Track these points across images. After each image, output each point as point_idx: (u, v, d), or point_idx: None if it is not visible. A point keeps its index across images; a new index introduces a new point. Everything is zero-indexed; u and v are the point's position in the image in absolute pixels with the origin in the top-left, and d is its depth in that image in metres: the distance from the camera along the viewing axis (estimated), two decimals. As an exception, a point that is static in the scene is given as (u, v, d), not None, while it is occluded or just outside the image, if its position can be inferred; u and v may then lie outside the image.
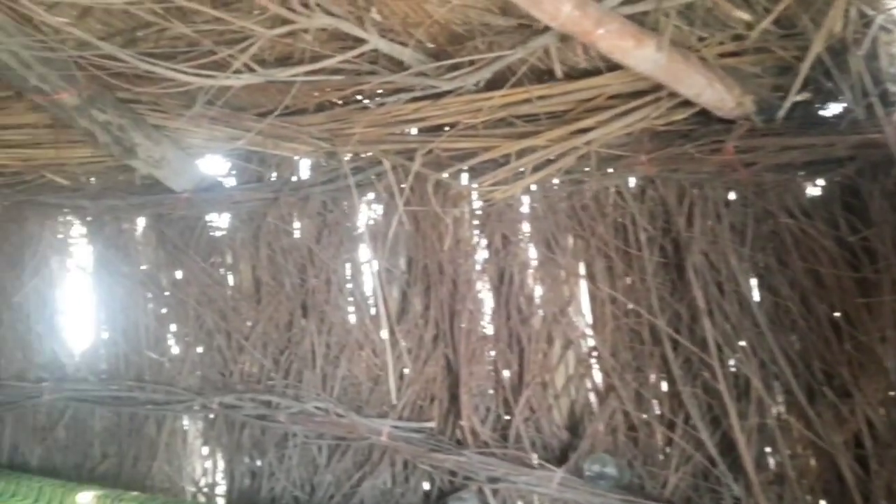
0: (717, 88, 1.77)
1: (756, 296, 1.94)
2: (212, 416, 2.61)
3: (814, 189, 1.89)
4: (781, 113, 1.78)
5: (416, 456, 2.25)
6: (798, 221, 1.87)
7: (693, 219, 1.99)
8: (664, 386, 2.07)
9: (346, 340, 2.44)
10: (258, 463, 2.53)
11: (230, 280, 2.65)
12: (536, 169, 2.12)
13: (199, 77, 1.87)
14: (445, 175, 2.22)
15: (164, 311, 2.74)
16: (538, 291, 2.23)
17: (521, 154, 2.11)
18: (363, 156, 2.38)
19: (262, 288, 2.56)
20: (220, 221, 2.67)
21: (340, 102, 2.33)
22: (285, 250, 2.52)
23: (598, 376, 2.16)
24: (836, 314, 1.84)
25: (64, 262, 2.95)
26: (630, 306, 2.09)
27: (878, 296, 1.72)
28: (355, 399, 2.42)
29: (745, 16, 1.66)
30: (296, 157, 2.53)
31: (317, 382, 2.44)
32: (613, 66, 1.92)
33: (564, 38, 1.84)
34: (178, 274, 2.71)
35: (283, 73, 1.97)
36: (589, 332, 2.18)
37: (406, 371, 2.35)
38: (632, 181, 2.11)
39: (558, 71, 1.99)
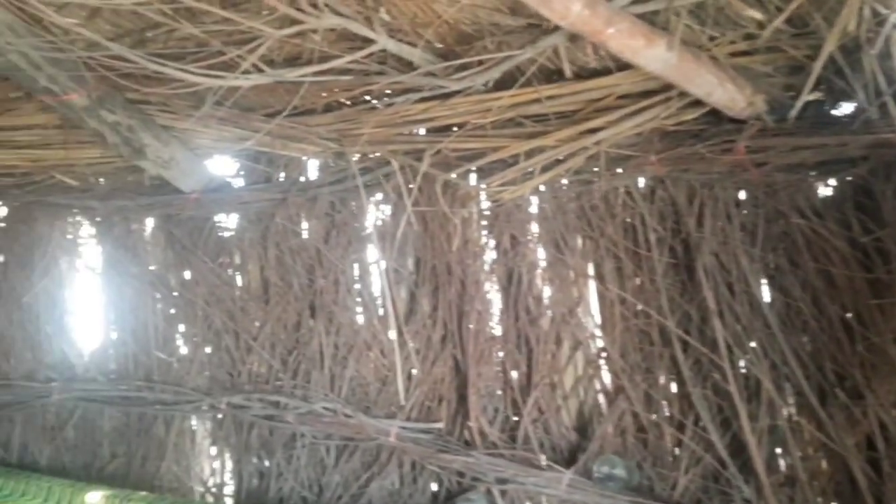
0: (728, 88, 1.76)
1: (767, 297, 1.93)
2: (220, 416, 2.61)
3: (826, 189, 1.88)
4: (793, 113, 1.77)
5: (424, 457, 2.24)
6: (810, 222, 1.86)
7: (703, 219, 1.98)
8: (674, 387, 2.06)
9: (354, 341, 2.44)
10: (266, 463, 2.53)
11: (238, 280, 2.65)
12: (545, 169, 2.11)
13: (207, 78, 1.87)
14: (454, 175, 2.21)
15: (172, 311, 2.75)
16: (547, 292, 2.23)
17: (529, 154, 2.11)
18: (371, 156, 2.38)
19: (271, 288, 2.56)
20: (228, 222, 2.67)
21: (349, 103, 2.32)
22: (293, 251, 2.52)
23: (607, 377, 2.15)
24: (848, 315, 1.83)
25: (73, 262, 2.95)
26: (639, 307, 2.08)
27: (890, 297, 1.71)
28: (363, 400, 2.42)
29: (757, 15, 1.65)
30: (304, 158, 2.52)
31: (325, 383, 2.44)
32: (623, 66, 1.91)
33: (574, 38, 1.83)
34: (187, 274, 2.71)
35: (291, 74, 1.97)
36: (598, 332, 2.17)
37: (414, 372, 2.34)
38: (641, 181, 2.10)
39: (567, 71, 1.98)
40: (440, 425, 2.28)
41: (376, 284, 2.43)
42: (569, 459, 2.13)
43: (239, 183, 2.66)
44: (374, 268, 2.44)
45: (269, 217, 2.55)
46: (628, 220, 2.12)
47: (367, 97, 2.29)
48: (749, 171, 1.88)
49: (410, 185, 2.23)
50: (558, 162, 2.10)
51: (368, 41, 1.91)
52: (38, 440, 2.89)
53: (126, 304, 2.79)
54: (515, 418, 2.22)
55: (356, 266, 2.47)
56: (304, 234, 2.53)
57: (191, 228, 2.68)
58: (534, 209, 2.25)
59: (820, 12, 1.62)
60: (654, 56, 1.68)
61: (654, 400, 2.05)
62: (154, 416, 2.70)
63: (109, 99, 2.30)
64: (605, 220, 2.14)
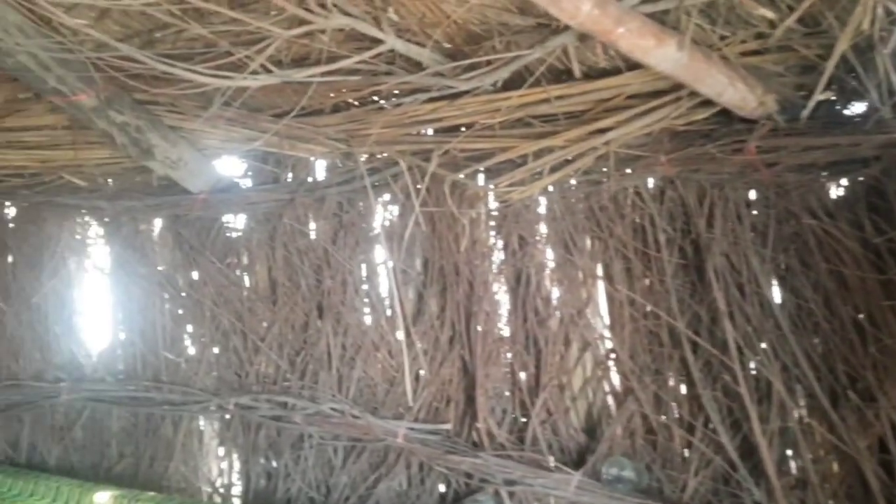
0: (739, 88, 1.75)
1: (778, 298, 1.92)
2: (228, 416, 2.61)
3: (837, 189, 1.86)
4: (805, 112, 1.75)
5: (431, 458, 2.24)
6: (821, 222, 1.85)
7: (714, 220, 1.97)
8: (683, 389, 2.04)
9: (361, 342, 2.44)
10: (274, 464, 2.53)
11: (246, 281, 2.65)
12: (554, 169, 2.10)
13: (216, 78, 1.87)
14: (462, 176, 2.21)
15: (180, 311, 2.75)
16: (555, 293, 2.22)
17: (538, 154, 2.10)
18: (379, 156, 2.37)
19: (278, 289, 2.56)
20: (236, 222, 2.67)
21: (357, 103, 2.32)
22: (301, 251, 2.52)
23: (615, 379, 2.14)
24: (861, 316, 1.81)
25: (82, 262, 2.96)
26: (649, 308, 2.07)
27: (903, 298, 1.70)
28: (371, 400, 2.41)
29: (768, 14, 1.64)
30: (312, 158, 2.52)
31: (332, 383, 2.44)
32: (633, 66, 1.90)
33: (583, 38, 1.82)
34: (195, 275, 2.72)
35: (299, 74, 1.97)
36: (607, 334, 2.16)
37: (422, 373, 2.34)
38: (651, 182, 2.09)
39: (577, 70, 1.98)
40: (448, 426, 2.27)
41: (384, 285, 2.43)
42: (577, 461, 2.12)
43: (247, 183, 2.66)
44: (381, 268, 2.44)
45: (277, 217, 2.55)
46: (638, 220, 2.10)
47: (376, 97, 2.28)
48: (760, 171, 1.87)
49: (418, 186, 2.22)
50: (567, 162, 2.09)
51: (377, 41, 1.91)
52: (46, 440, 2.90)
53: (134, 304, 2.80)
54: (524, 420, 2.21)
55: (364, 266, 2.47)
56: (312, 235, 2.53)
57: (199, 229, 2.69)
58: (542, 210, 2.24)
59: (832, 11, 1.61)
60: (665, 56, 1.67)
61: (663, 401, 2.04)
62: (162, 417, 2.71)
63: (118, 99, 2.30)
64: (614, 220, 2.13)
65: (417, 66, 2.03)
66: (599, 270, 2.18)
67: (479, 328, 2.23)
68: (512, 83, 2.02)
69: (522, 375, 2.22)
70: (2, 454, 2.94)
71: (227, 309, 2.62)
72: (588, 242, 2.19)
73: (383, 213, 2.44)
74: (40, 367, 2.93)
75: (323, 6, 1.76)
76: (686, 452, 2.01)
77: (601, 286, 2.18)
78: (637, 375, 2.06)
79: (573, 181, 2.17)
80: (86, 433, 2.86)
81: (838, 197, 1.86)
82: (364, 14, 1.84)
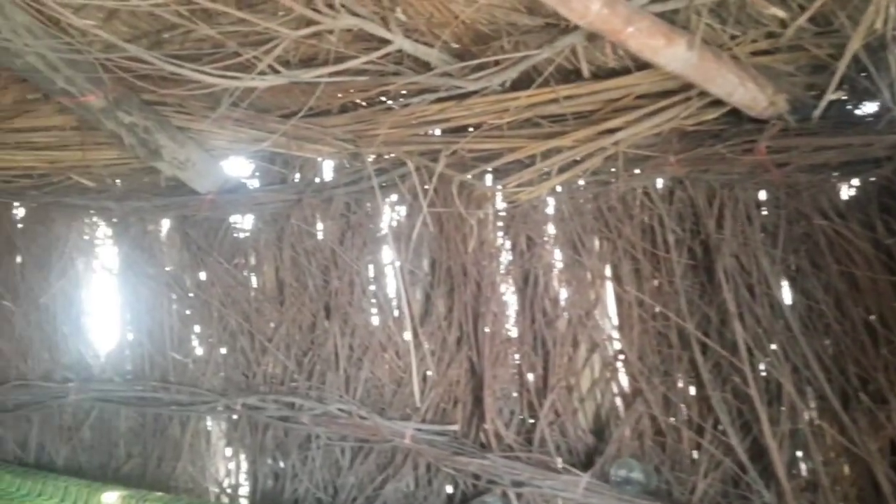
0: (750, 87, 1.74)
1: (788, 299, 1.90)
2: (235, 417, 2.61)
3: (849, 190, 1.85)
4: (817, 112, 1.74)
5: (439, 459, 2.23)
6: (832, 223, 1.83)
7: (723, 220, 1.96)
8: (692, 390, 2.03)
9: (369, 342, 2.43)
10: (281, 464, 2.53)
11: (254, 281, 2.65)
12: (562, 170, 2.10)
13: (223, 79, 1.87)
14: (470, 176, 2.20)
15: (188, 312, 2.75)
16: (563, 294, 2.21)
17: (546, 155, 2.09)
18: (387, 157, 2.37)
19: (286, 289, 2.56)
20: (243, 223, 2.68)
21: (364, 103, 2.32)
22: (308, 252, 2.52)
23: (624, 380, 2.13)
24: (872, 317, 1.80)
25: (90, 263, 2.97)
26: (658, 309, 2.06)
27: (915, 299, 1.68)
28: (378, 401, 2.41)
29: (779, 13, 1.63)
30: (319, 159, 2.52)
31: (340, 384, 2.43)
32: (642, 66, 1.89)
33: (592, 37, 1.82)
34: (202, 275, 2.72)
35: (307, 75, 1.97)
36: (615, 335, 2.15)
37: (429, 373, 2.33)
38: (660, 182, 2.08)
39: (585, 70, 1.97)
40: (455, 427, 2.26)
41: (391, 286, 2.43)
42: (586, 463, 2.11)
43: (254, 184, 2.67)
44: (389, 269, 2.44)
45: (285, 218, 2.55)
46: (647, 221, 2.10)
47: (383, 98, 2.28)
48: (770, 171, 1.86)
49: (426, 186, 2.21)
50: (576, 162, 2.09)
51: (384, 41, 1.91)
52: (54, 440, 2.91)
53: (142, 304, 2.81)
54: (531, 421, 2.20)
55: (371, 267, 2.46)
56: (320, 236, 2.53)
57: (206, 229, 2.69)
58: (550, 210, 2.23)
59: (844, 11, 1.60)
60: (675, 55, 1.66)
61: (672, 403, 2.03)
62: (170, 417, 2.71)
63: (126, 100, 2.31)
64: (622, 221, 2.12)
65: (425, 66, 2.02)
66: (608, 271, 2.17)
67: (487, 329, 2.22)
68: (520, 83, 2.01)
69: (530, 376, 2.21)
70: (11, 454, 2.95)
71: (235, 309, 2.62)
72: (596, 243, 2.18)
73: (391, 213, 2.43)
74: (49, 368, 2.94)
75: (331, 6, 1.75)
76: (695, 454, 2.00)
77: (610, 287, 2.17)
78: (646, 377, 2.05)
79: (581, 181, 2.16)
80: (94, 433, 2.87)
81: (850, 197, 1.85)
82: (372, 14, 1.84)
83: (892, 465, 1.74)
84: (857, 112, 1.78)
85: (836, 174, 1.83)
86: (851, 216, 1.82)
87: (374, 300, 2.46)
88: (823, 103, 1.74)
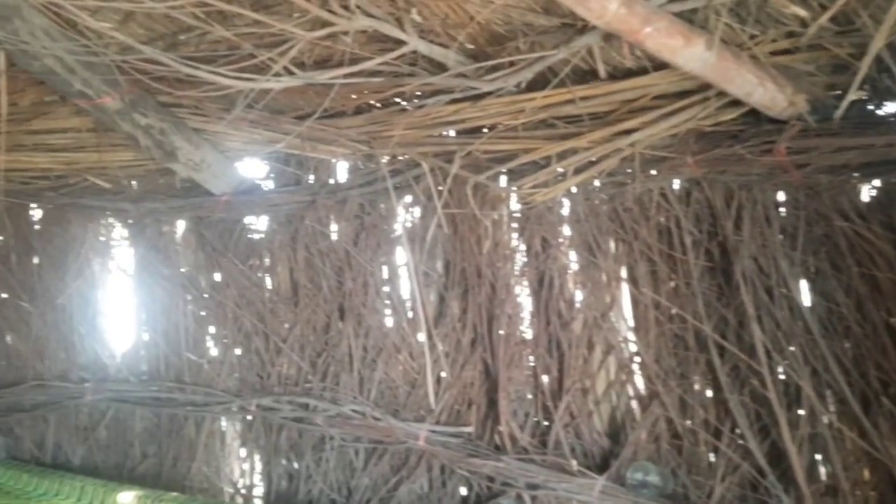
0: (769, 87, 1.72)
1: (807, 301, 1.88)
2: (250, 417, 2.62)
3: (870, 191, 1.82)
4: (839, 112, 1.72)
5: (453, 461, 2.23)
6: (853, 224, 1.81)
7: (741, 222, 1.94)
8: (709, 393, 2.01)
9: (383, 343, 2.43)
10: (295, 465, 2.54)
11: (268, 282, 2.66)
12: (578, 171, 2.08)
13: (239, 80, 1.88)
14: (484, 177, 2.19)
15: (203, 313, 2.76)
16: (579, 296, 2.19)
17: (562, 156, 2.08)
18: (401, 158, 2.36)
19: (300, 290, 2.56)
20: (258, 224, 2.68)
21: (379, 105, 2.32)
22: (323, 253, 2.52)
23: (640, 382, 2.11)
24: (893, 320, 1.77)
25: (106, 264, 2.99)
26: (674, 311, 2.04)
27: (938, 301, 1.66)
28: (392, 403, 2.41)
29: (801, 12, 1.61)
30: (334, 160, 2.52)
31: (354, 385, 2.43)
32: (659, 66, 1.87)
33: (608, 38, 1.80)
34: (217, 276, 2.73)
35: (322, 76, 1.97)
36: (631, 337, 2.13)
37: (443, 375, 2.32)
38: (677, 183, 2.06)
39: (602, 71, 1.95)
40: (470, 429, 2.26)
41: (405, 287, 2.42)
42: (601, 465, 2.09)
43: (269, 185, 2.67)
44: (403, 270, 2.43)
45: (299, 219, 2.56)
46: (663, 222, 2.08)
47: (398, 99, 2.28)
48: (790, 172, 1.83)
49: (440, 188, 2.21)
50: (591, 164, 2.07)
51: (399, 43, 1.90)
52: (71, 440, 2.93)
53: (157, 305, 2.82)
54: (546, 423, 2.19)
55: (385, 268, 2.46)
56: (334, 237, 2.53)
57: (221, 230, 2.70)
58: (565, 211, 2.21)
59: (867, 9, 1.57)
60: (693, 55, 1.65)
61: (689, 406, 2.01)
62: (185, 418, 2.72)
63: (142, 102, 2.32)
64: (638, 222, 2.10)
65: (440, 67, 2.02)
66: (624, 273, 2.15)
67: (502, 331, 2.21)
68: (536, 84, 2.00)
69: (545, 379, 2.20)
70: (28, 454, 2.98)
71: (250, 310, 2.63)
72: (612, 245, 2.16)
73: (405, 214, 2.43)
74: (65, 368, 2.96)
75: (346, 8, 1.75)
76: (712, 457, 1.98)
77: (625, 289, 2.15)
78: (662, 379, 2.03)
79: (597, 183, 2.14)
80: (110, 433, 2.89)
81: (871, 198, 1.82)
82: (387, 15, 1.84)
83: (914, 470, 1.72)
84: (879, 112, 1.75)
85: (856, 175, 1.80)
86: (872, 217, 1.80)
87: (388, 301, 2.45)
88: (845, 103, 1.72)
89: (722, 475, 1.93)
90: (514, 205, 2.28)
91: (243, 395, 2.61)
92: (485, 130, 2.22)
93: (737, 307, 1.94)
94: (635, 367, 2.12)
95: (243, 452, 2.68)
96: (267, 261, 2.67)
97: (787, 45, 1.73)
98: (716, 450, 1.97)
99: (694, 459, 1.99)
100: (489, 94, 2.05)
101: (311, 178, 2.59)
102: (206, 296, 2.75)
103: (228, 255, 2.66)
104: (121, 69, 2.08)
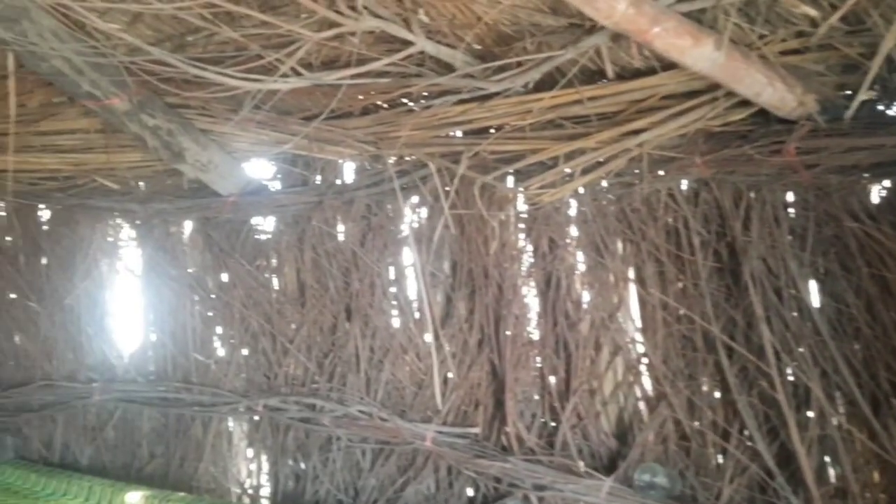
0: (778, 87, 1.71)
1: (817, 302, 1.87)
2: (257, 418, 2.62)
3: (880, 191, 1.81)
4: (849, 112, 1.70)
5: (460, 462, 2.22)
6: (863, 225, 1.80)
7: (750, 222, 1.93)
8: (718, 394, 2.00)
9: (389, 344, 2.43)
10: (302, 466, 2.54)
11: (275, 283, 2.66)
12: (585, 171, 2.07)
13: (246, 81, 1.88)
14: (491, 178, 2.18)
15: (210, 313, 2.77)
16: (586, 296, 2.19)
17: (569, 156, 2.07)
18: (408, 159, 2.36)
19: (307, 291, 2.57)
20: (265, 225, 2.69)
21: (386, 105, 2.32)
22: (329, 253, 2.52)
23: (647, 383, 2.11)
24: (904, 321, 1.76)
25: (114, 264, 2.99)
26: (682, 312, 2.03)
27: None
28: (399, 403, 2.41)
29: (811, 11, 1.60)
30: (340, 161, 2.52)
31: (361, 386, 2.43)
32: (667, 66, 1.86)
33: (616, 38, 1.80)
34: (224, 277, 2.73)
35: (329, 77, 1.97)
36: (639, 338, 2.12)
37: (450, 376, 2.32)
38: (685, 183, 2.05)
39: (610, 71, 1.95)
40: (477, 430, 2.25)
41: (412, 288, 2.42)
42: (608, 467, 2.09)
43: (276, 186, 2.67)
44: (410, 271, 2.43)
45: (306, 220, 2.56)
46: (671, 222, 2.07)
47: (405, 100, 2.28)
48: (799, 172, 1.82)
49: (447, 188, 2.21)
50: (599, 164, 2.06)
51: (407, 43, 1.90)
52: (79, 440, 2.94)
53: (165, 306, 2.83)
54: (553, 424, 2.19)
55: (392, 269, 2.46)
56: (341, 237, 2.53)
57: (228, 231, 2.70)
58: (573, 212, 2.21)
59: (877, 9, 1.56)
60: (702, 55, 1.64)
61: (697, 407, 2.00)
62: (192, 418, 2.73)
63: (150, 103, 2.32)
64: (646, 223, 2.09)
65: (447, 67, 2.01)
66: (631, 273, 2.15)
67: (508, 332, 2.21)
68: (543, 84, 1.99)
69: (552, 379, 2.19)
70: (36, 453, 2.99)
71: (257, 311, 2.63)
72: (620, 245, 2.16)
73: (412, 215, 2.43)
74: (73, 368, 2.97)
75: (353, 9, 1.75)
76: (720, 459, 1.97)
77: (633, 289, 2.15)
78: (670, 380, 2.03)
79: (605, 183, 2.14)
80: (117, 433, 2.90)
81: (881, 199, 1.81)
82: (394, 16, 1.84)
83: (925, 473, 1.71)
84: (890, 112, 1.74)
85: (866, 175, 1.79)
86: (883, 218, 1.78)
87: (394, 302, 2.45)
88: (855, 104, 1.71)
89: (730, 477, 1.92)
90: (522, 205, 2.28)
91: (250, 395, 2.61)
92: (492, 131, 2.21)
93: (745, 308, 1.93)
94: (643, 368, 2.12)
95: (250, 453, 2.68)
96: (274, 261, 2.67)
97: (797, 44, 1.72)
98: (724, 451, 1.96)
99: (702, 461, 1.98)
100: (496, 94, 2.04)
101: (318, 178, 2.59)
102: (213, 296, 2.75)
103: (235, 255, 2.67)
104: (129, 70, 2.08)
